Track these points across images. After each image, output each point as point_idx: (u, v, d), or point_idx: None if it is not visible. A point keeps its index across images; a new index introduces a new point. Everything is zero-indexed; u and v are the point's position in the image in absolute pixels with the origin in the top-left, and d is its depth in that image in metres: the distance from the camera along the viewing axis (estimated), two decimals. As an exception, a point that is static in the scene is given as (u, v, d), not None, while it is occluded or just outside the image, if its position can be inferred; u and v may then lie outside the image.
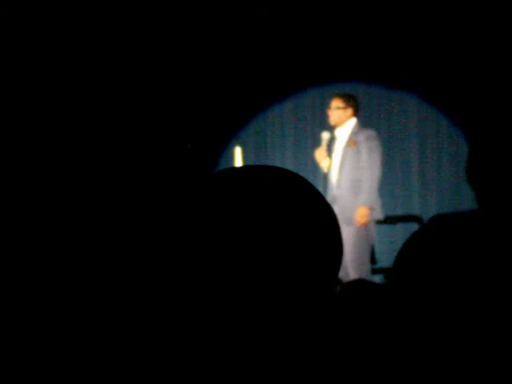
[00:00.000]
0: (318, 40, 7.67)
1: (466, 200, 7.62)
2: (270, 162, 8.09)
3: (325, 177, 6.88)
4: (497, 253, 1.11)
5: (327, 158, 6.84)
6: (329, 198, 6.73)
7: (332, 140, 6.87)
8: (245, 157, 7.20)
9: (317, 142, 7.15)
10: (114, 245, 6.14)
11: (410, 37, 7.51)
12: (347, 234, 6.56)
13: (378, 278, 7.24)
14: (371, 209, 6.71)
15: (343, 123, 6.83)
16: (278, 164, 8.05)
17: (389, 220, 7.61)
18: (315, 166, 7.10)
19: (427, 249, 1.16)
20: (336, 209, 6.56)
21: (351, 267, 6.64)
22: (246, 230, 1.07)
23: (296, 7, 7.51)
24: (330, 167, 6.84)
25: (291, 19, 7.57)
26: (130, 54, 7.23)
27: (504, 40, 7.09)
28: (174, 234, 1.10)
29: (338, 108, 6.80)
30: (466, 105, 7.44)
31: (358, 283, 1.77)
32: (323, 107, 7.19)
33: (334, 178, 6.82)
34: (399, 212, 7.90)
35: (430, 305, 1.12)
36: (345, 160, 6.76)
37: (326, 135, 6.85)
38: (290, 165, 8.06)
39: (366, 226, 6.74)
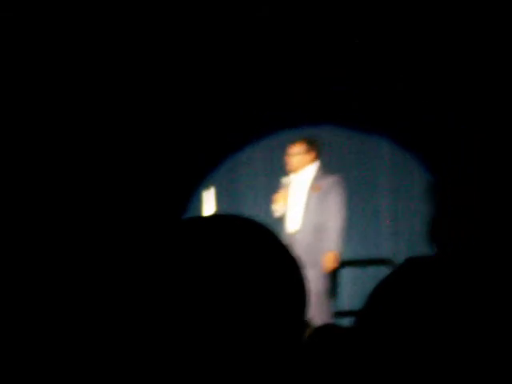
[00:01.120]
0: (289, 83, 7.72)
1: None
2: (241, 204, 8.09)
3: (281, 219, 6.90)
4: (470, 296, 1.12)
5: (284, 202, 6.89)
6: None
7: (289, 184, 6.94)
8: (216, 199, 7.19)
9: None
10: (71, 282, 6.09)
11: (382, 81, 7.57)
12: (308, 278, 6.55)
13: (346, 321, 7.22)
14: (339, 254, 6.75)
15: (304, 167, 6.89)
16: (249, 206, 8.07)
17: (359, 263, 7.62)
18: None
19: (400, 292, 1.16)
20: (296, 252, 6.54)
21: (313, 311, 6.65)
22: (209, 281, 1.07)
23: (262, 50, 7.55)
24: (285, 210, 6.88)
25: (261, 61, 7.61)
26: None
27: (471, 86, 7.18)
28: (137, 280, 1.09)
29: (300, 153, 6.86)
30: (438, 149, 7.50)
31: (327, 328, 1.76)
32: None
33: (294, 221, 6.84)
34: (370, 255, 7.91)
35: (401, 349, 1.12)
36: (309, 205, 6.80)
37: (286, 180, 6.92)
38: (261, 207, 8.06)
39: (330, 270, 6.79)
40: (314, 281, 6.64)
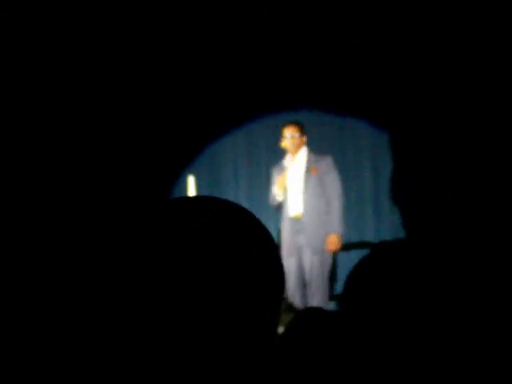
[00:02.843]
0: (269, 69, 7.71)
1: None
2: (223, 191, 8.09)
3: (281, 204, 6.91)
4: (433, 279, 1.14)
5: (285, 186, 6.90)
6: (288, 224, 6.79)
7: (287, 167, 6.95)
8: (198, 186, 7.19)
9: (270, 171, 7.18)
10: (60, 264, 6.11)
11: (360, 64, 7.58)
12: (314, 262, 6.66)
13: (333, 305, 7.26)
14: (341, 236, 6.83)
15: (299, 150, 6.88)
16: (231, 192, 8.07)
17: (343, 247, 7.64)
18: (268, 194, 7.14)
19: (369, 277, 1.19)
20: (303, 238, 6.63)
21: (314, 295, 6.73)
22: (189, 261, 1.06)
23: (246, 38, 7.55)
24: (286, 194, 6.89)
25: (242, 48, 7.61)
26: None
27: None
28: (118, 262, 1.09)
29: (294, 136, 6.86)
30: (419, 133, 7.52)
31: (312, 312, 1.76)
32: (276, 135, 7.24)
33: (295, 204, 6.86)
34: (353, 239, 7.94)
35: (375, 334, 1.15)
36: (308, 187, 6.82)
37: (287, 163, 6.93)
38: (243, 193, 8.07)
39: (333, 253, 6.87)
40: (318, 264, 6.72)
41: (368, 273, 1.18)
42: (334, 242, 6.80)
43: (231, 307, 1.07)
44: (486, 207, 6.84)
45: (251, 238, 1.11)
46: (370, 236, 8.03)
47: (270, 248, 1.12)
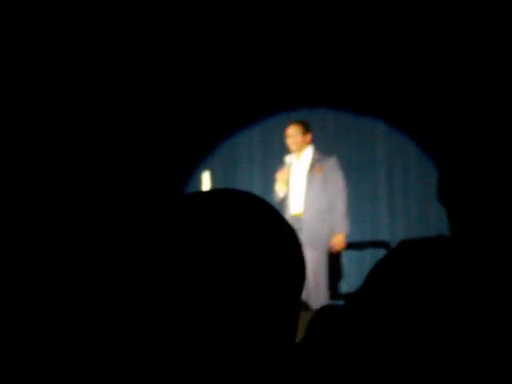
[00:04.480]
0: (285, 66, 7.71)
1: (433, 226, 7.66)
2: (238, 187, 8.06)
3: (282, 200, 6.90)
4: (462, 279, 1.12)
5: (287, 183, 6.90)
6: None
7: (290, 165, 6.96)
8: (213, 181, 7.20)
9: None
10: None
11: (377, 63, 7.57)
12: (311, 259, 6.63)
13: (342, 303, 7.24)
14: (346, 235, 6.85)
15: (303, 149, 6.91)
16: (245, 188, 8.09)
17: (357, 245, 7.63)
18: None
19: (394, 274, 1.16)
20: (302, 236, 6.60)
21: (312, 290, 6.72)
22: (208, 253, 1.04)
23: (262, 34, 7.55)
24: (288, 191, 6.90)
25: (256, 44, 7.61)
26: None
27: (467, 67, 7.18)
28: (136, 257, 1.07)
29: (299, 134, 6.89)
30: (434, 131, 7.50)
31: (329, 309, 1.76)
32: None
33: (296, 202, 6.87)
34: (367, 237, 7.93)
35: (397, 331, 1.12)
36: (311, 186, 6.84)
37: (289, 159, 6.93)
38: (257, 189, 8.06)
39: (337, 251, 6.87)
40: (316, 262, 6.70)
41: (393, 270, 1.16)
42: (339, 241, 6.81)
43: (252, 301, 1.04)
44: (486, 207, 6.82)
45: (275, 231, 1.09)
46: (384, 235, 8.01)
47: (294, 242, 1.11)
